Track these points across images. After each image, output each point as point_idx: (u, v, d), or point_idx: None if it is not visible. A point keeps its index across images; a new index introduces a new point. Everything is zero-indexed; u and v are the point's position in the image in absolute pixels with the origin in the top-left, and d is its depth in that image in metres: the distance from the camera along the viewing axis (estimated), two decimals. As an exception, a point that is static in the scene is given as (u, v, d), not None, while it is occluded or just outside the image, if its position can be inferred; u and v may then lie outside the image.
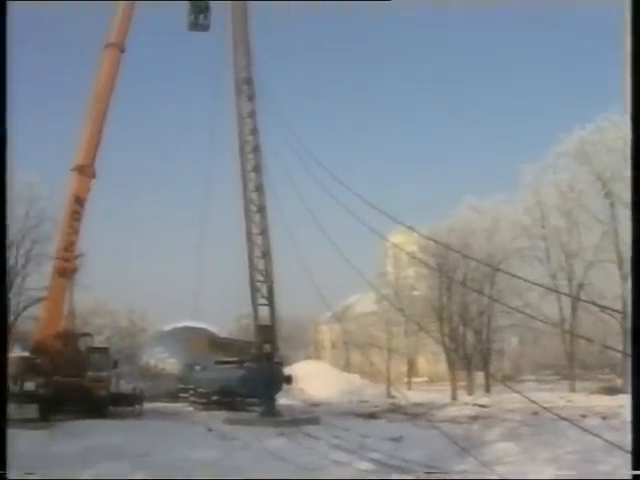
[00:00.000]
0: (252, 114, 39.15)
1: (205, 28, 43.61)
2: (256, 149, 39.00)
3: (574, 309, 56.85)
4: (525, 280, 35.93)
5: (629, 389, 10.61)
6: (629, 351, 9.93)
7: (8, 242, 54.92)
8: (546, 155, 59.14)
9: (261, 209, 38.56)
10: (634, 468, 9.49)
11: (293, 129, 37.46)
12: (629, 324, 13.53)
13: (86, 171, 41.87)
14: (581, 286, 56.96)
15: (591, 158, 55.44)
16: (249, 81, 39.22)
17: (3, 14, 11.97)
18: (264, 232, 38.63)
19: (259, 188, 38.71)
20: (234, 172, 39.10)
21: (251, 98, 39.20)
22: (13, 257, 55.64)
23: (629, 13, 10.73)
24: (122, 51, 43.04)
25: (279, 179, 38.94)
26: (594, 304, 46.65)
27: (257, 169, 38.90)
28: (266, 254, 38.65)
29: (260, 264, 38.66)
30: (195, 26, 43.66)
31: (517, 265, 57.72)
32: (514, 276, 41.13)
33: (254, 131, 39.06)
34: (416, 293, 64.15)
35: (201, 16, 43.38)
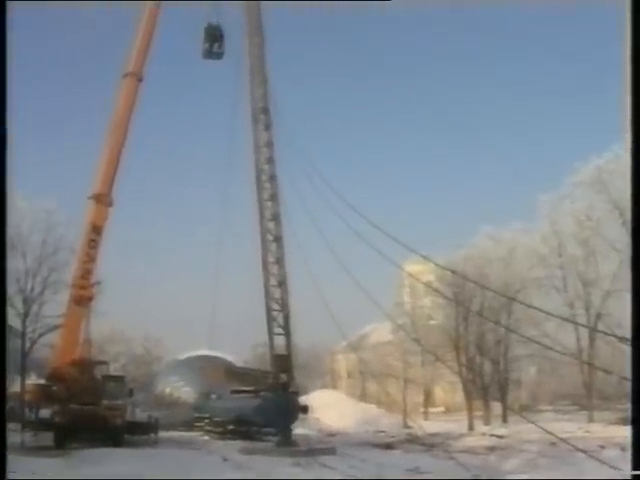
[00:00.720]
0: (269, 143, 39.37)
1: (219, 56, 43.99)
2: (272, 178, 39.16)
3: (592, 339, 56.23)
4: (541, 310, 35.70)
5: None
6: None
7: (25, 270, 55.42)
8: (563, 184, 58.82)
9: (277, 238, 38.64)
10: (634, 468, 9.43)
11: (309, 158, 37.63)
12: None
13: (103, 199, 42.15)
14: (599, 316, 56.37)
15: (608, 187, 55.07)
16: (266, 110, 39.48)
17: (3, 14, 12.05)
18: (280, 261, 38.68)
19: (275, 217, 38.81)
20: (250, 201, 39.26)
21: (268, 127, 39.44)
22: (30, 284, 55.75)
23: (629, 13, 10.74)
24: (140, 80, 43.41)
25: (295, 208, 39.06)
26: (611, 335, 46.19)
27: (273, 198, 39.03)
28: (282, 283, 38.68)
29: (276, 293, 38.69)
30: (209, 54, 44.06)
31: (534, 294, 57.25)
32: (530, 306, 40.88)
33: (270, 160, 39.25)
34: (433, 322, 63.83)
35: (215, 44, 43.77)
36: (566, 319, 50.66)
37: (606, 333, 50.13)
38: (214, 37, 43.61)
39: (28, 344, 55.94)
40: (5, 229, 13.85)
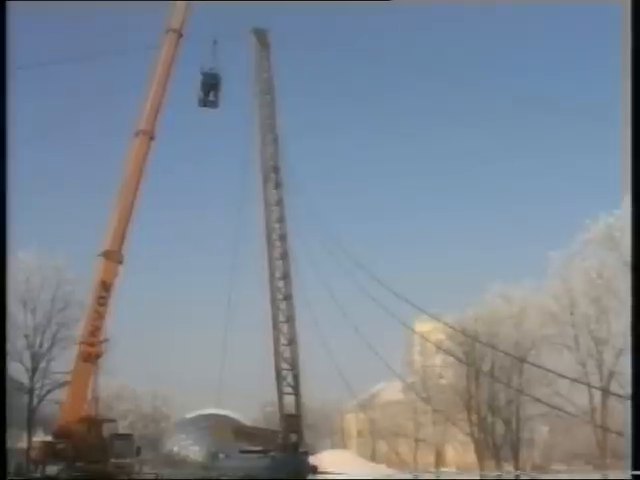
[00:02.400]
0: (279, 202, 39.55)
1: (214, 105, 44.30)
2: (283, 237, 39.25)
3: (605, 397, 55.52)
4: (551, 372, 35.28)
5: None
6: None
7: (34, 326, 55.44)
8: (574, 241, 58.57)
9: (287, 297, 38.62)
10: (634, 468, 9.26)
11: (319, 216, 37.74)
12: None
13: (113, 257, 42.01)
14: (611, 374, 55.66)
15: (619, 244, 54.82)
16: (276, 169, 39.74)
17: (3, 14, 12.12)
18: (290, 320, 38.62)
19: (286, 276, 38.84)
20: (261, 259, 39.26)
21: (278, 186, 39.65)
22: (39, 340, 55.78)
23: (629, 17, 10.75)
24: (152, 139, 43.59)
25: (306, 267, 39.05)
26: (623, 397, 45.54)
27: (284, 257, 39.09)
28: (292, 342, 38.56)
29: (286, 352, 38.55)
30: (204, 102, 44.42)
31: (545, 353, 56.71)
32: (540, 367, 40.43)
33: (281, 219, 39.37)
34: (443, 382, 63.26)
35: (211, 93, 44.12)
36: (576, 380, 50.04)
37: (618, 395, 49.45)
38: (210, 86, 44.00)
39: (35, 400, 55.72)
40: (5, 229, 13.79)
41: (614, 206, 56.14)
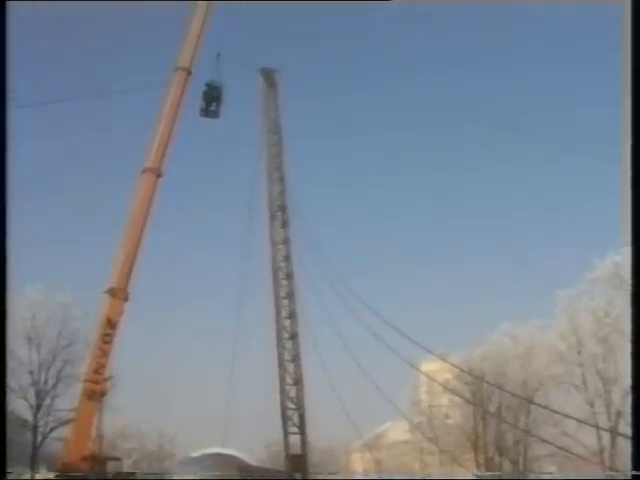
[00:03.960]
0: (286, 241, 39.58)
1: (215, 115, 44.60)
2: (289, 276, 39.21)
3: (613, 437, 54.97)
4: (558, 413, 34.97)
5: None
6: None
7: (39, 362, 55.28)
8: (581, 280, 58.38)
9: (293, 336, 38.56)
10: (634, 468, 9.12)
11: (326, 255, 37.72)
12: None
13: (119, 294, 41.94)
14: (619, 414, 55.18)
15: (626, 282, 54.67)
16: (283, 208, 39.79)
17: (3, 14, 12.13)
18: (296, 359, 38.49)
19: (292, 315, 38.79)
20: (267, 298, 39.19)
21: (285, 225, 39.70)
22: (43, 377, 55.57)
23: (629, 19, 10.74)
24: (159, 176, 43.67)
25: (312, 306, 38.97)
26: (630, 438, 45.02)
27: (290, 296, 39.07)
28: (298, 381, 38.38)
29: (292, 391, 38.37)
30: (206, 113, 44.69)
31: (553, 392, 56.29)
32: (547, 408, 40.08)
33: (287, 258, 39.36)
34: (450, 422, 62.75)
35: (213, 104, 44.39)
36: (583, 421, 49.62)
37: (627, 436, 48.93)
38: (212, 97, 44.31)
39: (40, 437, 55.34)
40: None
41: (622, 244, 56.10)
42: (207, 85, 44.81)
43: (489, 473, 58.45)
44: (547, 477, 56.12)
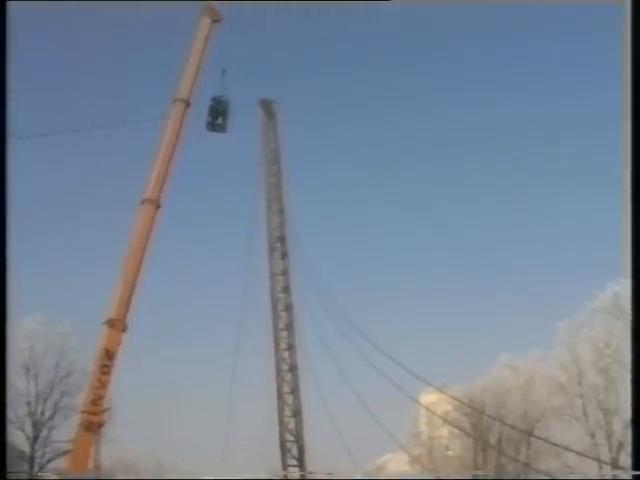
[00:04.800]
0: (285, 272, 39.51)
1: (222, 129, 44.58)
2: (288, 307, 39.10)
3: (614, 468, 54.61)
4: (559, 446, 34.72)
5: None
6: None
7: (36, 393, 55.02)
8: (581, 311, 58.30)
9: (292, 368, 38.40)
10: (634, 468, 8.99)
11: (325, 288, 37.66)
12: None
13: (117, 325, 41.67)
14: (621, 445, 54.88)
15: (627, 313, 54.57)
16: (282, 239, 39.77)
17: (3, 14, 12.10)
18: (295, 391, 38.32)
19: (291, 347, 38.67)
20: (266, 330, 39.08)
21: (284, 256, 39.66)
22: (40, 408, 55.32)
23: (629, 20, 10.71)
24: (158, 207, 43.57)
25: (311, 338, 38.86)
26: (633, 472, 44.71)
27: (289, 327, 38.96)
28: (297, 413, 38.20)
29: (291, 423, 38.17)
30: (212, 127, 44.68)
31: (554, 424, 56.01)
32: (548, 442, 39.82)
33: (287, 289, 39.28)
34: (450, 453, 62.32)
35: (219, 118, 44.44)
36: (584, 454, 49.34)
37: (624, 469, 48.66)
38: (218, 112, 44.36)
39: (36, 469, 54.98)
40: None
41: (621, 274, 56.02)
42: (213, 99, 44.93)
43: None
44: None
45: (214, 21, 45.34)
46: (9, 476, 33.63)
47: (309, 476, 41.83)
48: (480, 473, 54.47)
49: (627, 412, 53.96)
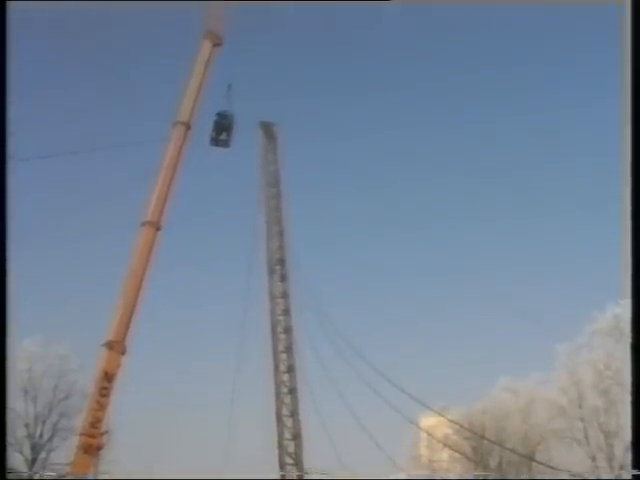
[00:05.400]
0: (284, 295, 39.48)
1: (226, 144, 44.74)
2: (288, 330, 39.06)
3: (616, 491, 54.38)
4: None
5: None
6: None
7: (35, 415, 54.78)
8: (581, 333, 58.22)
9: (292, 390, 38.30)
10: (634, 468, 8.94)
11: (325, 310, 37.64)
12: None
13: (116, 347, 41.56)
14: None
15: (627, 335, 54.38)
16: (282, 262, 39.78)
17: (3, 14, 12.12)
18: (294, 414, 38.18)
19: (290, 369, 38.59)
20: (265, 352, 39.01)
21: (284, 279, 39.65)
22: (39, 430, 55.04)
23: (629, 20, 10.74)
24: (158, 229, 43.60)
25: (310, 360, 38.77)
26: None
27: (288, 350, 38.88)
28: (296, 436, 38.05)
29: (290, 446, 37.97)
30: (216, 142, 44.85)
31: (554, 447, 55.79)
32: (548, 466, 39.65)
33: (286, 312, 39.24)
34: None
35: (223, 133, 44.59)
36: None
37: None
38: (222, 127, 44.52)
39: (35, 491, 54.73)
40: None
41: (621, 296, 55.95)
42: (218, 114, 45.13)
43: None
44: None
45: (215, 45, 45.58)
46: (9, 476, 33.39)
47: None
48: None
49: (628, 434, 53.83)
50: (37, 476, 55.19)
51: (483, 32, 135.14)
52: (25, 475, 53.59)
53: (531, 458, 49.17)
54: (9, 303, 22.06)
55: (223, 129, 44.77)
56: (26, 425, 54.73)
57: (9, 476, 34.28)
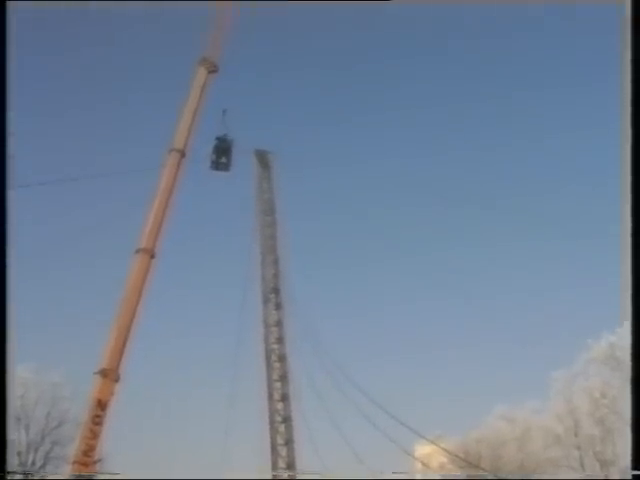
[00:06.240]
0: (279, 323, 39.39)
1: (226, 168, 44.89)
2: (282, 358, 38.93)
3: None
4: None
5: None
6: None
7: (27, 443, 54.29)
8: (576, 361, 58.05)
9: (286, 419, 38.08)
10: (634, 468, 8.78)
11: (319, 338, 37.55)
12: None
13: (110, 375, 41.37)
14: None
15: (622, 363, 54.27)
16: (276, 290, 39.71)
17: (3, 14, 12.05)
18: (289, 443, 37.96)
19: (285, 398, 38.41)
20: (259, 380, 38.84)
21: (278, 307, 39.56)
22: (31, 458, 54.53)
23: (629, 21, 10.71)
24: (152, 257, 43.47)
25: (305, 389, 38.61)
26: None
27: (283, 378, 38.70)
28: (291, 466, 37.75)
29: (284, 476, 37.65)
30: (216, 165, 44.95)
31: (551, 475, 55.52)
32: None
33: (280, 340, 39.14)
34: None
35: (223, 157, 44.68)
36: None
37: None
38: (222, 150, 44.66)
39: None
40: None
41: (616, 325, 55.84)
42: (218, 139, 45.29)
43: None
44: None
45: (210, 72, 45.74)
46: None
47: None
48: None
49: (624, 463, 53.57)
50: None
51: (483, 52, 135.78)
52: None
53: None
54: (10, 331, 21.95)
55: (222, 153, 44.93)
56: (18, 453, 54.18)
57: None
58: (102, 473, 42.33)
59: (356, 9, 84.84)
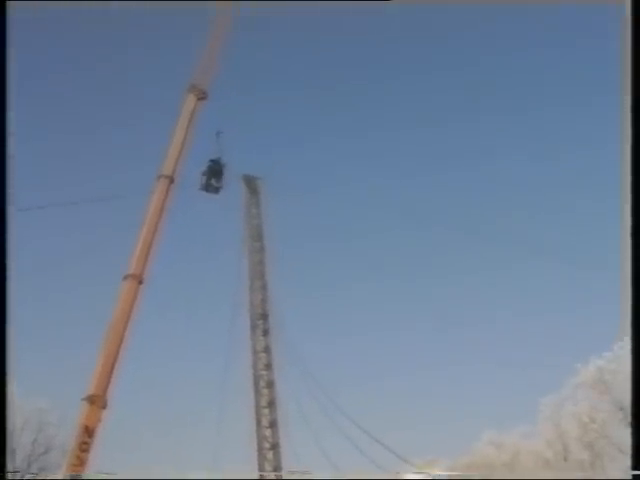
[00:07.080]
0: (267, 349, 39.31)
1: (217, 190, 44.79)
2: (270, 385, 38.82)
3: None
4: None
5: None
6: None
7: (12, 470, 53.72)
8: (564, 386, 58.11)
9: (274, 446, 37.92)
10: (634, 468, 8.81)
11: (308, 365, 37.49)
12: None
13: (97, 401, 41.08)
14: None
15: (611, 387, 54.38)
16: (264, 316, 39.65)
17: (3, 14, 12.06)
18: (277, 469, 37.75)
19: (273, 424, 38.25)
20: (247, 407, 38.73)
21: (266, 333, 39.50)
22: (17, 486, 54.07)
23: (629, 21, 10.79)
24: (140, 282, 43.36)
25: (293, 415, 38.50)
26: None
27: (271, 405, 38.58)
28: (279, 494, 37.61)
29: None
30: (207, 187, 44.88)
31: (550, 475, 55.44)
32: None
33: (269, 366, 39.04)
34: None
35: (213, 179, 44.68)
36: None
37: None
38: (214, 172, 44.63)
39: None
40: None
41: (604, 349, 55.94)
42: (211, 161, 45.33)
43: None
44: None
45: (199, 99, 45.80)
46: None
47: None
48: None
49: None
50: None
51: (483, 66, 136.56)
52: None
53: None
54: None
55: (214, 175, 45.00)
56: (3, 480, 53.70)
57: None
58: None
59: (356, 10, 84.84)
